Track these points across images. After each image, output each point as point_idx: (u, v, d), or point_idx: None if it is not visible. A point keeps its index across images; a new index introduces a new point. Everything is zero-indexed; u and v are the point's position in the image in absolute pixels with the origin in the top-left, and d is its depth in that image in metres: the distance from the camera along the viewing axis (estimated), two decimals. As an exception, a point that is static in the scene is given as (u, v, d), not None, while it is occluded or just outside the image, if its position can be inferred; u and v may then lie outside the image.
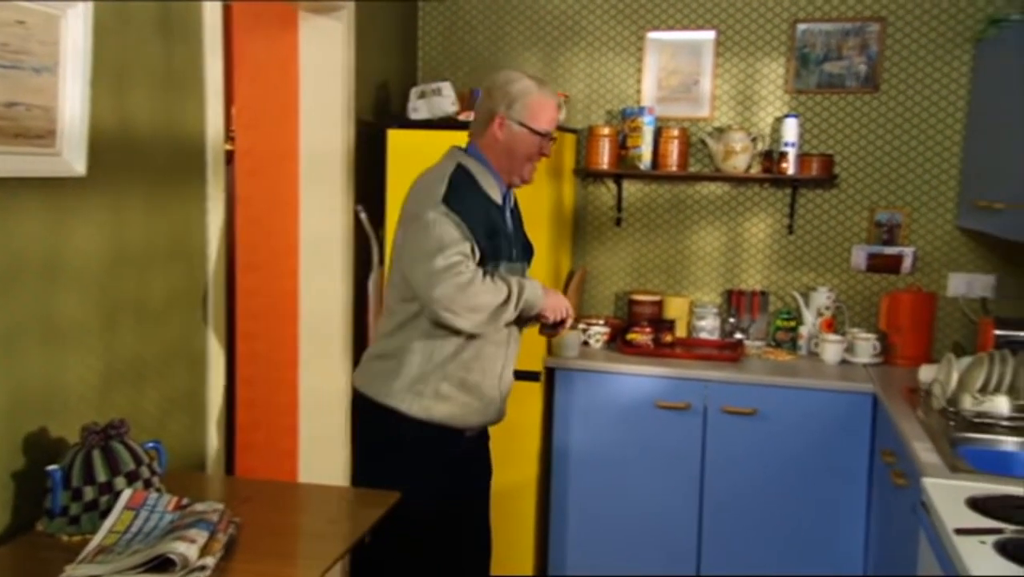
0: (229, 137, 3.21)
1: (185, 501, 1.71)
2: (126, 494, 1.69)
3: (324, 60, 3.04)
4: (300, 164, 3.10)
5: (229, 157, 3.17)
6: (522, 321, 2.24)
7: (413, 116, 3.13)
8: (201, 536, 1.56)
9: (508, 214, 2.28)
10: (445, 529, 2.28)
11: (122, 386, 2.04)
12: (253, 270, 3.15)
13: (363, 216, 3.18)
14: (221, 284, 2.41)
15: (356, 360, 3.18)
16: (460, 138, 3.00)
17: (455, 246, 2.05)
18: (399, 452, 2.19)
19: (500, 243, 2.18)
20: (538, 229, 3.00)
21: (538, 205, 3.00)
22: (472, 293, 2.04)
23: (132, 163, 2.05)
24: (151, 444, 1.88)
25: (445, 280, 2.02)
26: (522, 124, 2.19)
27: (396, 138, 3.09)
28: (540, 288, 2.19)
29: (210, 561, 1.53)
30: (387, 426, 2.19)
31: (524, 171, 2.25)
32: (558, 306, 2.23)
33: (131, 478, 1.74)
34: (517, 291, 2.11)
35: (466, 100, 3.20)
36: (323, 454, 3.13)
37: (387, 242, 3.12)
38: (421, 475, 2.18)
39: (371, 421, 2.24)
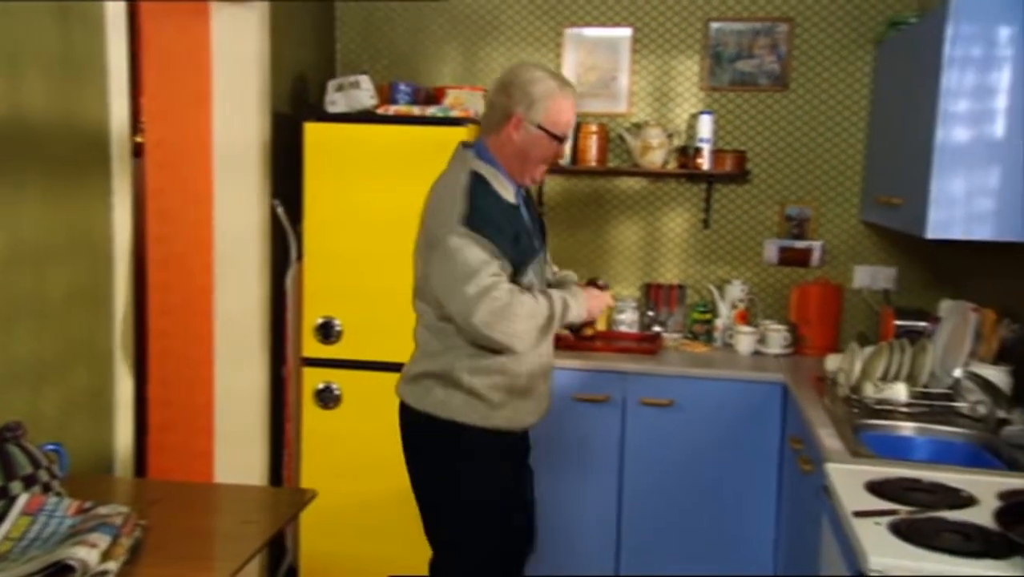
0: (139, 128, 3.11)
1: (87, 505, 1.66)
2: (22, 499, 1.62)
3: (238, 50, 2.97)
4: (214, 157, 3.02)
5: (139, 149, 3.07)
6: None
7: (331, 109, 3.09)
8: (103, 540, 1.51)
9: (523, 208, 2.24)
10: (516, 524, 2.33)
11: (19, 387, 1.96)
12: (165, 266, 3.06)
13: (280, 210, 3.13)
14: (128, 280, 2.33)
15: (274, 357, 3.14)
16: (378, 133, 3.01)
17: (485, 268, 2.01)
18: (468, 462, 2.20)
19: (524, 245, 2.14)
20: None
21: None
22: (511, 316, 2.01)
23: (27, 153, 1.97)
24: (51, 446, 1.81)
25: (481, 306, 1.99)
26: (541, 127, 2.11)
27: (313, 131, 3.04)
28: (583, 299, 2.18)
29: (112, 566, 1.49)
30: (452, 440, 2.18)
31: (536, 173, 2.20)
32: (599, 309, 2.24)
33: (28, 482, 1.67)
34: (561, 309, 2.10)
35: (385, 93, 3.18)
36: (240, 454, 3.07)
37: (305, 237, 3.08)
38: (492, 480, 2.21)
39: (434, 438, 2.21)
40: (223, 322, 3.06)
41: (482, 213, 2.04)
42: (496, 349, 2.09)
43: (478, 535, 2.23)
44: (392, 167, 3.00)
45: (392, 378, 3.04)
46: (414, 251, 2.22)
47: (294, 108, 3.27)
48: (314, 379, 3.11)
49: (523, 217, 2.21)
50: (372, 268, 3.03)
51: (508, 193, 2.16)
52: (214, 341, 3.07)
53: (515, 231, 2.11)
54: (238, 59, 2.97)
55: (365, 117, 3.04)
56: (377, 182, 3.01)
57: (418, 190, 2.98)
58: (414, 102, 3.18)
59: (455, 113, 3.04)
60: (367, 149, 3.01)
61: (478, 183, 2.10)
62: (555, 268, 2.48)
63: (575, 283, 2.36)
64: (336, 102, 3.08)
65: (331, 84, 3.11)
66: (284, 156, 3.13)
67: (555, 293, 2.13)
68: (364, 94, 3.06)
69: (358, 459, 3.09)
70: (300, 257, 3.13)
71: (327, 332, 3.08)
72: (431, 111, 3.05)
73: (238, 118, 3.00)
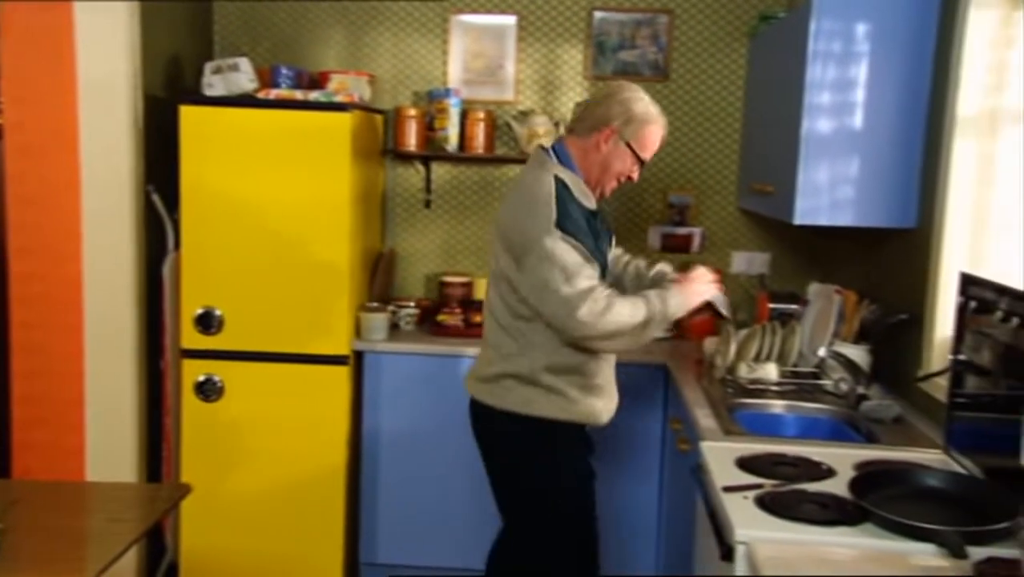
0: (-4, 110, 2.93)
1: (-66, 509, 1.56)
2: None
3: (104, 32, 2.83)
4: (80, 141, 2.87)
5: (-2, 132, 2.90)
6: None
7: (208, 92, 2.98)
8: (-50, 546, 1.43)
9: (598, 216, 2.30)
10: (592, 511, 2.40)
11: None
12: (28, 254, 2.90)
13: (155, 197, 3.00)
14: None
15: (150, 349, 3.02)
16: (259, 117, 2.92)
17: (581, 271, 2.09)
18: (552, 452, 2.26)
19: (604, 249, 2.26)
20: (345, 211, 2.96)
21: (346, 187, 2.95)
22: (610, 319, 2.09)
23: None
24: None
25: (580, 307, 2.07)
26: (629, 145, 2.21)
27: (189, 115, 2.93)
28: (679, 296, 2.21)
29: (-39, 573, 1.41)
30: (536, 434, 2.24)
31: (608, 187, 2.28)
32: (702, 292, 2.26)
33: None
34: (660, 308, 2.15)
35: (266, 77, 3.09)
36: (115, 451, 2.95)
37: (182, 224, 2.97)
38: (575, 468, 2.30)
39: (518, 434, 2.26)
40: (94, 313, 2.92)
41: (572, 218, 2.13)
42: (587, 348, 2.16)
43: (564, 520, 2.29)
44: (274, 152, 2.93)
45: (277, 368, 3.01)
46: (492, 244, 2.29)
47: (169, 92, 3.14)
48: (194, 371, 3.01)
49: (599, 224, 2.28)
50: (254, 256, 2.96)
51: (588, 200, 2.25)
52: (84, 333, 2.92)
53: (595, 235, 2.21)
54: (105, 41, 2.83)
55: (245, 101, 2.95)
56: (258, 168, 2.94)
57: (301, 176, 2.95)
58: (297, 86, 3.11)
59: (339, 98, 2.99)
60: (247, 134, 2.93)
61: (563, 189, 2.16)
62: (640, 262, 2.53)
63: (669, 276, 2.40)
64: (214, 85, 2.98)
65: (208, 66, 3.00)
66: (159, 141, 3.01)
67: (651, 294, 2.19)
68: (243, 77, 2.97)
69: (241, 453, 3.02)
70: (177, 245, 3.02)
71: (207, 323, 2.98)
72: (314, 96, 2.99)
73: (107, 102, 2.86)
